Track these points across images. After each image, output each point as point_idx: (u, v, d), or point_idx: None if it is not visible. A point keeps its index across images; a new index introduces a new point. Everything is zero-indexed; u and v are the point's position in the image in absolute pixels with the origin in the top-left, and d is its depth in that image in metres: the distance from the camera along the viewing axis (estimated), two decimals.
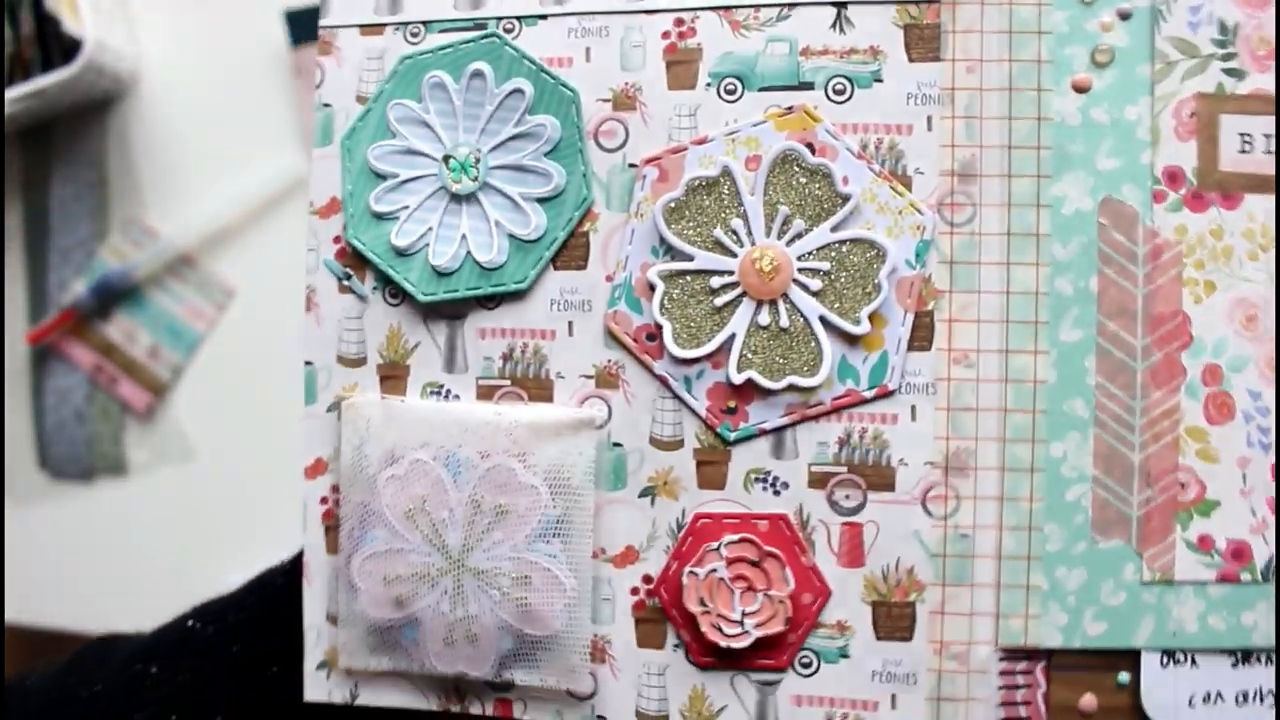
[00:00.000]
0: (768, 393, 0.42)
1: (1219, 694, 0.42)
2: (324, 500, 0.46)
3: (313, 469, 0.46)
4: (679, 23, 0.43)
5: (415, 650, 0.44)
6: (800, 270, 0.42)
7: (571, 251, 0.44)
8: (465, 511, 0.43)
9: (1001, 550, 0.42)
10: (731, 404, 0.43)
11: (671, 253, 0.43)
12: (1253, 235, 0.42)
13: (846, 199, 0.42)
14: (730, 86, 0.43)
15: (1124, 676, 0.42)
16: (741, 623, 0.42)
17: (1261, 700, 0.42)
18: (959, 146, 0.42)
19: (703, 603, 0.42)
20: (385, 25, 0.46)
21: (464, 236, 0.44)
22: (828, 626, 0.42)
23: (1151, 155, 0.42)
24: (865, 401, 0.42)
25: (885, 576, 0.42)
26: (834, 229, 0.42)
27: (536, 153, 0.44)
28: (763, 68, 0.43)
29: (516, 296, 0.44)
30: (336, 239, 0.46)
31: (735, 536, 0.42)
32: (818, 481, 0.42)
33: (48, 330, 0.79)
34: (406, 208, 0.45)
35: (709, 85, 0.43)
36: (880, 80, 0.42)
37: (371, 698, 0.46)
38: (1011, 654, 0.42)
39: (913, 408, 0.42)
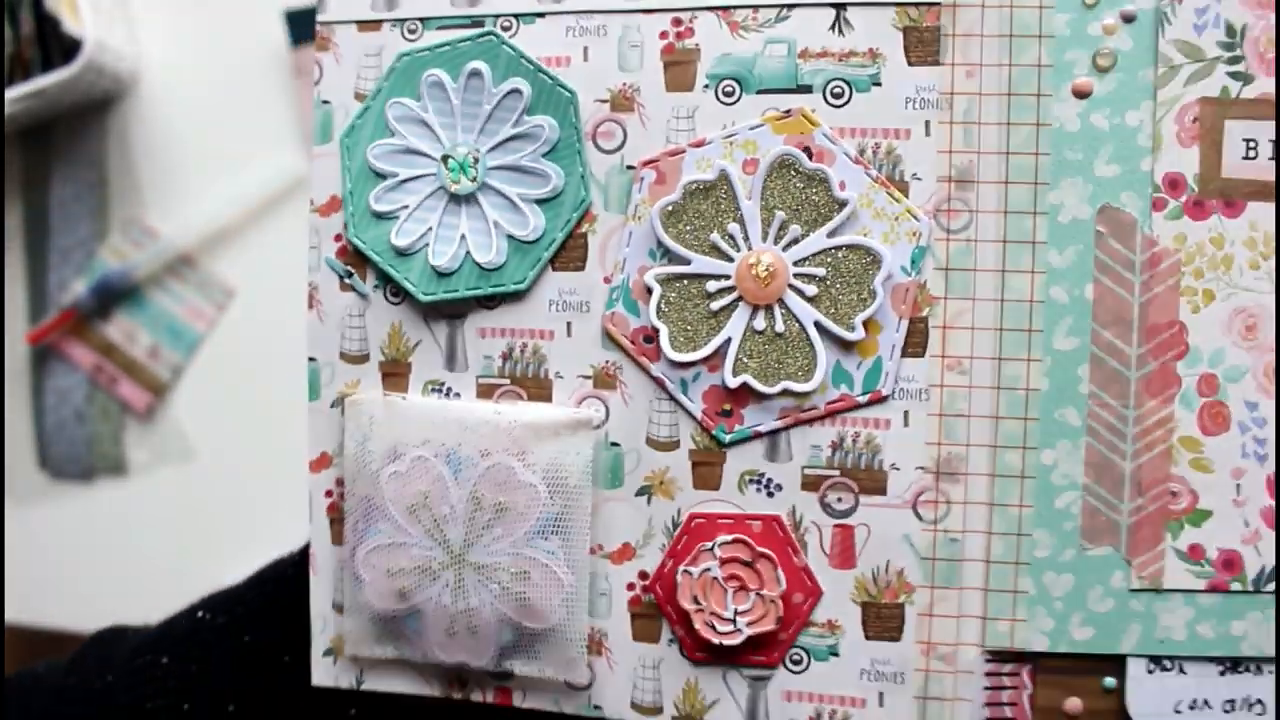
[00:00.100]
0: (763, 397, 0.42)
1: (1206, 701, 0.41)
2: (329, 493, 0.46)
3: (317, 463, 0.46)
4: (677, 22, 0.42)
5: (418, 640, 0.44)
6: (796, 275, 0.41)
7: (570, 253, 0.43)
8: (466, 508, 0.43)
9: (990, 555, 0.41)
10: (727, 407, 0.42)
11: (669, 256, 0.42)
12: (1254, 244, 0.40)
13: (843, 204, 0.41)
14: (728, 88, 0.42)
15: (1110, 681, 0.41)
16: (734, 621, 0.42)
17: (1249, 709, 0.41)
18: (957, 152, 0.40)
19: (696, 601, 0.42)
20: (383, 21, 0.44)
21: (463, 237, 0.44)
22: (818, 625, 0.42)
23: (1152, 162, 0.40)
24: (859, 406, 0.41)
25: (875, 578, 0.41)
26: (830, 234, 0.41)
27: (535, 153, 0.43)
28: (761, 69, 0.41)
29: (516, 297, 0.43)
30: (337, 237, 0.45)
31: (729, 537, 0.42)
32: (811, 484, 0.42)
33: (48, 330, 0.79)
34: (406, 207, 0.44)
35: (707, 87, 0.42)
36: (879, 84, 0.41)
37: (376, 684, 0.46)
38: (998, 656, 0.41)
39: (905, 413, 0.41)
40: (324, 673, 0.46)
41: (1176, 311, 0.41)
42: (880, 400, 0.41)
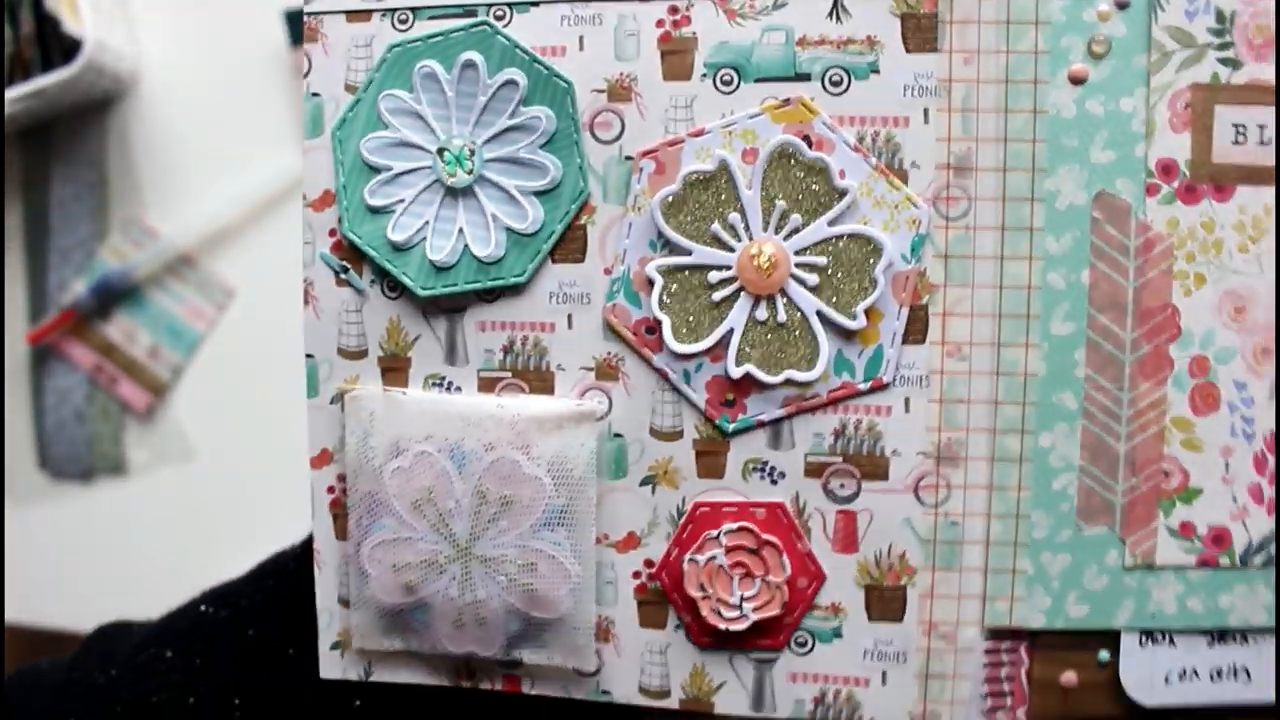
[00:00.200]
0: (765, 386, 0.40)
1: (1194, 671, 0.41)
2: (331, 489, 0.44)
3: (318, 459, 0.44)
4: (673, 10, 0.40)
5: (426, 632, 0.43)
6: (797, 265, 0.40)
7: (569, 244, 0.42)
8: (471, 502, 0.42)
9: (990, 537, 0.40)
10: (730, 396, 0.41)
11: (669, 247, 0.41)
12: (1243, 227, 0.40)
13: (844, 193, 0.39)
14: (726, 77, 0.40)
15: (1104, 655, 0.41)
16: (740, 607, 0.41)
17: (1235, 677, 0.41)
18: (955, 140, 0.39)
19: (703, 588, 0.41)
20: (372, 12, 0.42)
21: (461, 230, 0.42)
22: (822, 609, 0.41)
23: (1146, 148, 0.39)
24: (860, 394, 0.40)
25: (878, 561, 0.41)
26: (831, 223, 0.40)
27: (532, 145, 0.41)
28: (759, 58, 0.40)
29: (515, 290, 0.42)
30: (332, 232, 0.43)
31: (734, 525, 0.41)
32: (814, 471, 0.41)
33: (48, 330, 0.76)
34: (402, 201, 0.42)
35: (705, 76, 0.40)
36: (877, 71, 0.39)
37: (385, 675, 0.45)
38: (997, 634, 0.41)
39: (906, 400, 0.40)
40: (332, 665, 0.45)
41: (1169, 295, 0.40)
42: (882, 387, 0.40)
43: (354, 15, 0.42)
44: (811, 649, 0.42)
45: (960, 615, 0.41)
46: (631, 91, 0.41)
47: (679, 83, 0.41)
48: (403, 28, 0.42)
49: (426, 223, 0.42)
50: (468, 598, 0.43)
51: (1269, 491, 0.41)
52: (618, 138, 0.41)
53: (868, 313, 0.40)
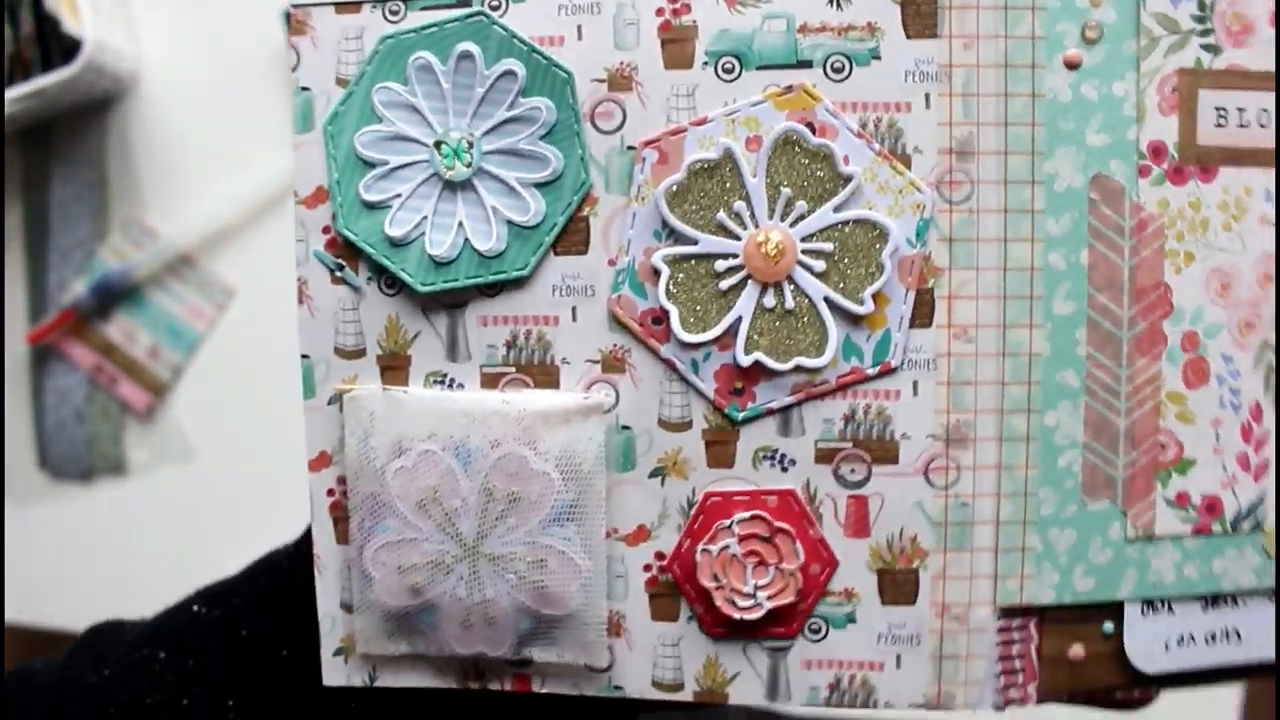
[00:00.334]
0: (775, 374, 0.38)
1: (1191, 636, 0.40)
2: (330, 492, 0.41)
3: (317, 462, 0.41)
4: None
5: (433, 634, 0.40)
6: (804, 252, 0.38)
7: (571, 236, 0.39)
8: (478, 500, 0.39)
9: (999, 516, 0.39)
10: (739, 385, 0.38)
11: (675, 237, 0.38)
12: (1226, 207, 0.39)
13: (848, 179, 0.37)
14: (728, 65, 0.38)
15: (1108, 626, 0.40)
16: (754, 595, 0.39)
17: (1228, 639, 0.41)
18: (957, 124, 0.37)
19: (716, 578, 0.39)
20: (362, 3, 0.39)
21: (460, 224, 0.39)
22: (835, 594, 0.39)
23: (1137, 131, 0.38)
24: (869, 379, 0.38)
25: (890, 545, 0.39)
26: (836, 210, 0.38)
27: (532, 136, 0.38)
28: (760, 46, 0.38)
29: (518, 284, 0.39)
30: (326, 229, 0.40)
31: (746, 514, 0.39)
32: (824, 457, 0.39)
33: (48, 330, 0.73)
34: (398, 196, 0.39)
35: (706, 64, 0.38)
36: (878, 58, 0.37)
37: (390, 679, 0.41)
38: (1008, 612, 0.39)
39: (915, 383, 0.38)
40: (336, 672, 0.41)
41: (1162, 273, 0.39)
42: (890, 372, 0.38)
43: (343, 7, 0.39)
44: (825, 635, 0.40)
45: (972, 596, 0.39)
46: (632, 81, 0.38)
47: (680, 71, 0.38)
48: (394, 19, 0.39)
49: (425, 217, 0.39)
50: (476, 597, 0.40)
51: (1255, 459, 0.40)
52: (619, 127, 0.39)
53: (875, 298, 0.38)
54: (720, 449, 0.39)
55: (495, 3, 0.39)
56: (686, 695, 0.41)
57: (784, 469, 0.39)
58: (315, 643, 0.42)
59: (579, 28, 0.38)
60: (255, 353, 0.68)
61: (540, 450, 0.39)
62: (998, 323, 0.38)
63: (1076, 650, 0.40)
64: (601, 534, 0.40)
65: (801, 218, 0.38)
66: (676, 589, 0.40)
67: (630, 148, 0.39)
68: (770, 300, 0.38)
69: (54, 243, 0.73)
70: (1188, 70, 0.39)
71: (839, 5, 0.38)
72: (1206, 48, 0.39)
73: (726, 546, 0.39)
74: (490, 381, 0.40)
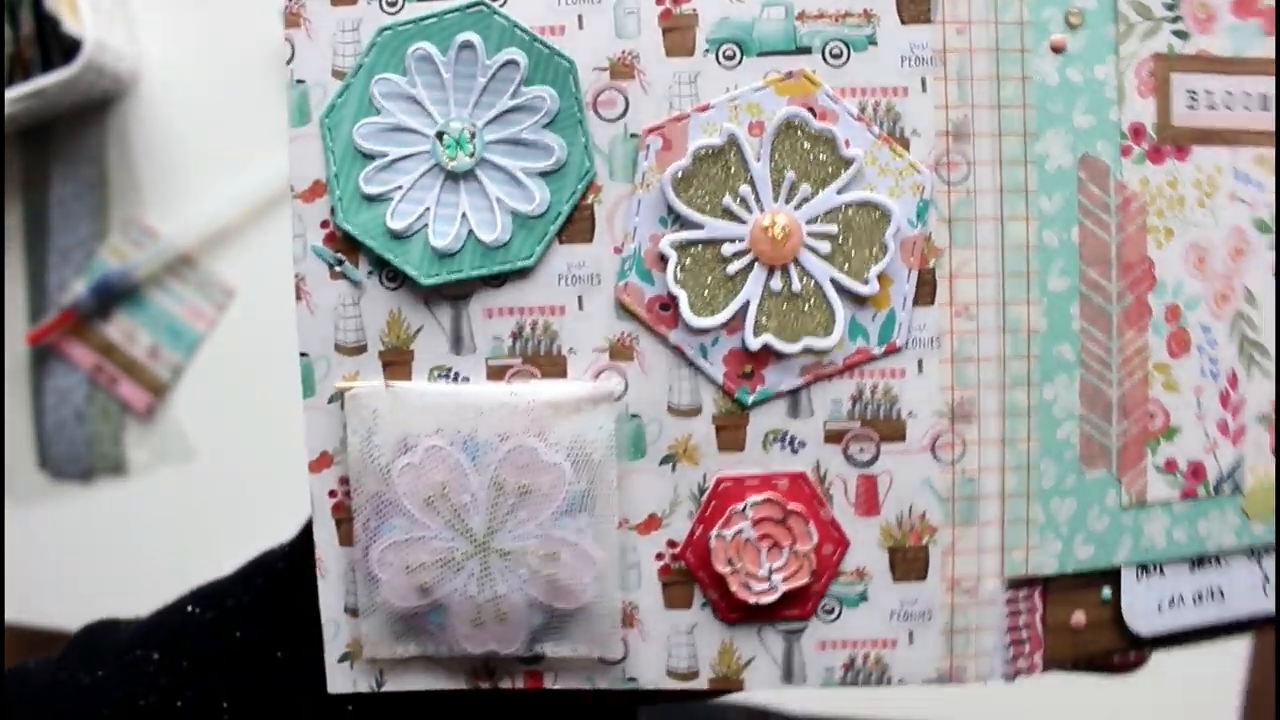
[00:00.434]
0: (782, 356, 0.37)
1: (1180, 597, 0.40)
2: (332, 494, 0.38)
3: (318, 463, 0.38)
4: None
5: (442, 634, 0.38)
6: (809, 234, 0.36)
7: (576, 225, 0.37)
8: (488, 494, 0.37)
9: (1005, 489, 0.38)
10: (748, 369, 0.37)
11: (680, 222, 0.37)
12: (1200, 184, 0.39)
13: (850, 162, 0.37)
14: (729, 52, 0.37)
15: (1106, 592, 0.40)
16: (769, 579, 0.37)
17: (1213, 598, 0.41)
18: (952, 107, 0.37)
19: (730, 563, 0.37)
20: None
21: (464, 215, 0.37)
22: (847, 574, 0.38)
23: (1119, 112, 0.38)
24: (875, 358, 0.37)
25: (900, 523, 0.38)
26: (839, 192, 0.37)
27: (535, 125, 0.37)
28: (760, 33, 0.37)
29: (523, 274, 0.37)
30: (324, 224, 0.37)
31: (759, 497, 0.37)
32: (833, 438, 0.38)
33: (48, 330, 0.70)
34: (399, 188, 0.37)
35: (707, 51, 0.37)
36: (875, 43, 0.37)
37: (398, 684, 0.39)
38: (1014, 583, 0.38)
39: (919, 361, 0.37)
40: (341, 679, 0.39)
41: (1145, 248, 0.39)
42: (895, 351, 0.38)
43: None
44: (839, 615, 0.38)
45: (981, 569, 0.39)
46: (634, 69, 0.37)
47: (682, 59, 0.37)
48: (392, 10, 0.37)
49: (427, 209, 0.37)
50: (487, 594, 0.37)
51: (1233, 424, 0.40)
52: (622, 115, 0.37)
53: (879, 278, 0.37)
54: (730, 433, 0.38)
55: None
56: (702, 683, 0.39)
57: (794, 451, 0.38)
58: (311, 644, 0.39)
59: (579, 17, 0.37)
60: (255, 353, 0.65)
61: (550, 441, 0.37)
62: (997, 300, 0.38)
63: (1078, 617, 0.39)
64: (614, 524, 0.38)
65: (805, 201, 0.37)
66: (690, 576, 0.38)
67: (634, 135, 0.37)
68: (777, 283, 0.37)
69: (54, 243, 0.70)
70: (1162, 55, 0.39)
71: None
72: (1177, 33, 0.39)
73: (740, 530, 0.38)
74: (496, 374, 0.38)
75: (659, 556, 0.39)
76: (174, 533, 0.69)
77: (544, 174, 0.37)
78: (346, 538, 0.38)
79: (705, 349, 0.38)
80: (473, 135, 0.37)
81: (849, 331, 0.38)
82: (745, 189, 0.37)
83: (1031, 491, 0.38)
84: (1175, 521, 0.40)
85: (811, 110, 0.37)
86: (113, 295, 0.69)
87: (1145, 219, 0.39)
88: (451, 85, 0.37)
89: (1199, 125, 0.40)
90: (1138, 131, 0.39)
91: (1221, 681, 0.70)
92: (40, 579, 0.70)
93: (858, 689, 0.39)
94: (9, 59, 0.63)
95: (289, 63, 0.37)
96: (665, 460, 0.38)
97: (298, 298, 0.37)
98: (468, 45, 0.37)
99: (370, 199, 0.37)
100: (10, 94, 0.62)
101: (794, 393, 0.38)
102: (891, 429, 0.38)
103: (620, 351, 0.38)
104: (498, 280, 0.38)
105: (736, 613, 0.38)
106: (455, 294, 0.38)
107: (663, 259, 0.37)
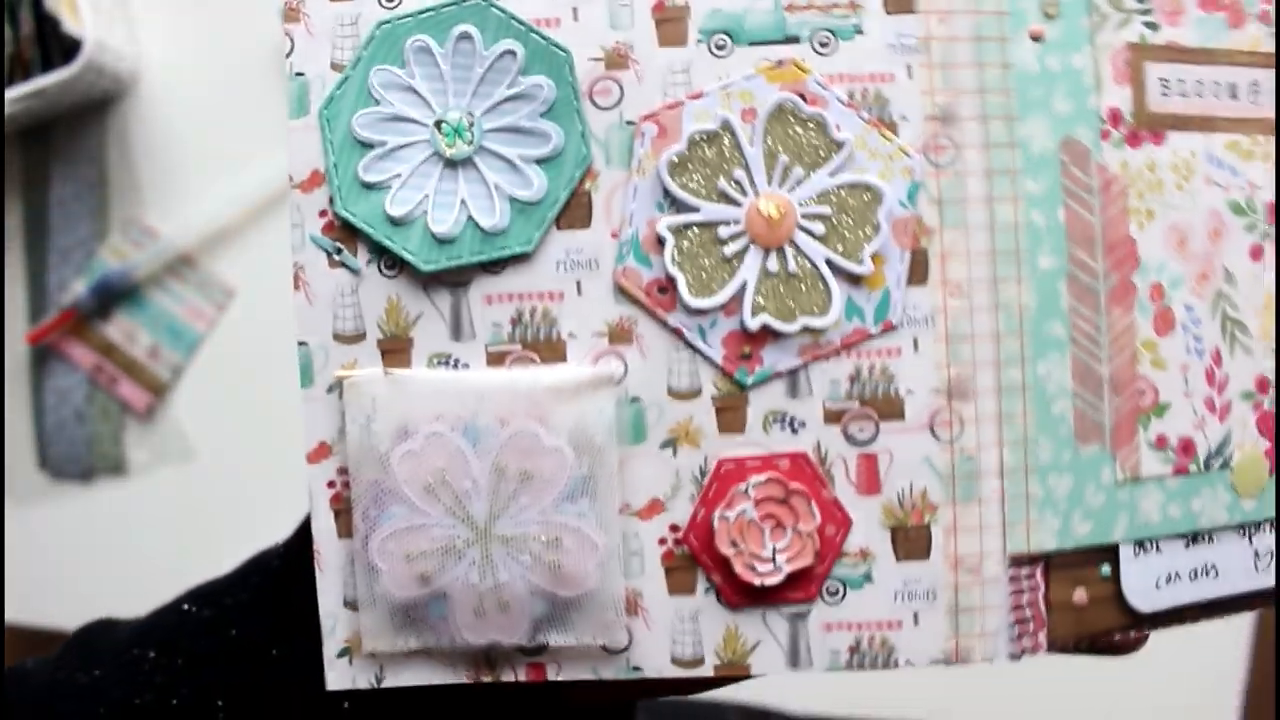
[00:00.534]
0: (781, 336, 0.36)
1: (1177, 574, 0.39)
2: (331, 485, 0.37)
3: (316, 453, 0.36)
4: None
5: (444, 626, 0.36)
6: (803, 216, 0.36)
7: (574, 211, 0.36)
8: (489, 480, 0.35)
9: (1003, 466, 0.37)
10: (746, 350, 0.36)
11: (676, 206, 0.36)
12: (1177, 169, 0.39)
13: (841, 145, 0.36)
14: (720, 42, 0.36)
15: (1106, 569, 0.38)
16: (773, 559, 0.36)
17: (1207, 575, 0.40)
18: (938, 92, 0.37)
19: (734, 544, 0.36)
20: None
21: (463, 202, 0.36)
22: (851, 555, 0.37)
23: (1097, 99, 0.38)
24: (872, 337, 0.37)
25: (901, 502, 0.37)
26: (832, 175, 0.36)
27: (533, 113, 0.36)
28: (750, 23, 0.37)
29: (521, 259, 0.36)
30: (322, 213, 0.36)
31: (762, 477, 0.36)
32: (833, 417, 0.37)
33: (48, 330, 0.68)
34: (398, 176, 0.36)
35: (700, 41, 0.36)
36: (861, 32, 0.37)
37: (397, 679, 0.37)
38: (1016, 561, 0.37)
39: (915, 340, 0.37)
40: (340, 675, 0.37)
41: (1127, 229, 0.39)
42: (891, 329, 0.37)
43: None
44: (843, 597, 0.37)
45: (983, 546, 0.37)
46: (628, 59, 0.37)
47: (674, 49, 0.37)
48: (390, 5, 0.36)
49: (426, 196, 0.36)
50: (489, 582, 0.36)
51: (1219, 400, 0.39)
52: (617, 103, 0.37)
53: (873, 258, 0.36)
54: (730, 415, 0.37)
55: None
56: (707, 670, 0.37)
57: (794, 431, 0.37)
58: (307, 642, 0.37)
59: (574, 10, 0.37)
60: (255, 353, 0.63)
61: (552, 425, 0.36)
62: (989, 278, 0.37)
63: (1080, 595, 0.38)
64: (615, 509, 0.36)
65: (799, 183, 0.36)
66: (693, 560, 0.37)
67: (629, 123, 0.37)
68: (774, 264, 0.36)
69: (54, 243, 0.69)
70: (1135, 45, 0.39)
71: None
72: (1148, 25, 0.39)
73: (743, 511, 0.36)
74: (496, 360, 0.37)
75: (661, 541, 0.37)
76: (174, 533, 0.67)
77: (541, 161, 0.36)
78: (345, 529, 0.37)
79: (704, 331, 0.37)
80: (471, 123, 0.36)
81: (845, 311, 0.37)
82: (739, 172, 0.36)
83: (1029, 466, 0.37)
84: (1169, 498, 0.39)
85: (802, 96, 0.37)
86: (113, 295, 0.68)
87: (1126, 201, 0.39)
88: (450, 75, 0.36)
89: (1173, 111, 0.40)
90: (1116, 117, 0.39)
91: (1221, 681, 0.68)
92: (40, 579, 0.68)
93: (863, 675, 0.38)
94: (9, 59, 0.62)
95: (288, 56, 0.36)
96: (666, 444, 0.37)
97: (296, 287, 0.36)
98: (465, 36, 0.36)
99: (369, 187, 0.36)
100: (10, 94, 0.60)
101: (793, 373, 0.37)
102: (890, 407, 0.37)
103: (620, 335, 0.37)
104: (497, 267, 0.36)
105: (741, 597, 0.37)
106: (454, 281, 0.36)
107: (660, 242, 0.36)
